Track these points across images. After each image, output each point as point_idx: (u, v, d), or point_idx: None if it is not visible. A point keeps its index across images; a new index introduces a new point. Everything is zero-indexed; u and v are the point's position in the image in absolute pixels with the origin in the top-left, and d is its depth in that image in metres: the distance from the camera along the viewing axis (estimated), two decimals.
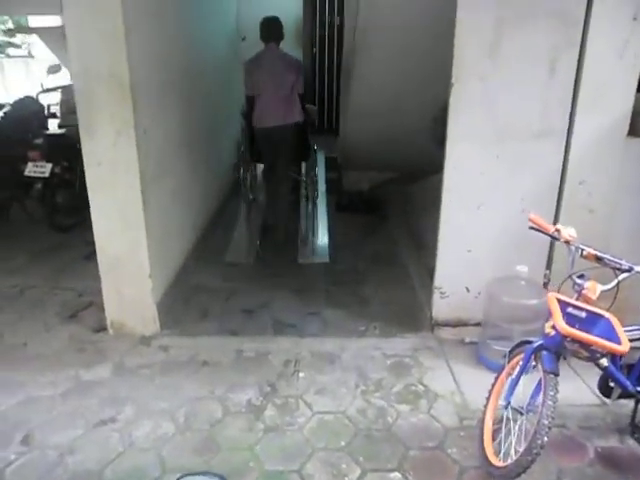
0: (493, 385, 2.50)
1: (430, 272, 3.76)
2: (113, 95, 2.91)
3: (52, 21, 10.51)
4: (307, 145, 5.10)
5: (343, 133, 5.99)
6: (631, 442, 2.48)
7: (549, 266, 3.19)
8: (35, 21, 12.49)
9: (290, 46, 7.56)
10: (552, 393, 2.05)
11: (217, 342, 3.30)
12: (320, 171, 6.22)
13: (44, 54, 13.06)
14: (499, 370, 2.53)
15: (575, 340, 2.01)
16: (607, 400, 2.55)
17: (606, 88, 2.86)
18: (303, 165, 5.53)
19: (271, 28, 4.60)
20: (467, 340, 3.30)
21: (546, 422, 2.00)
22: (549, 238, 2.85)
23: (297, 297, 3.90)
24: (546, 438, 1.99)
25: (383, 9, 3.92)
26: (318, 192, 5.43)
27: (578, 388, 2.83)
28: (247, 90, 4.62)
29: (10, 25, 16.02)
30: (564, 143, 2.97)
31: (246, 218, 5.49)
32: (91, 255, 4.30)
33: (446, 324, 3.34)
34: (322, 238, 4.84)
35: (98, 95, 2.92)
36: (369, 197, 5.94)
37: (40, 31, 6.65)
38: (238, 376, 2.96)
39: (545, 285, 3.19)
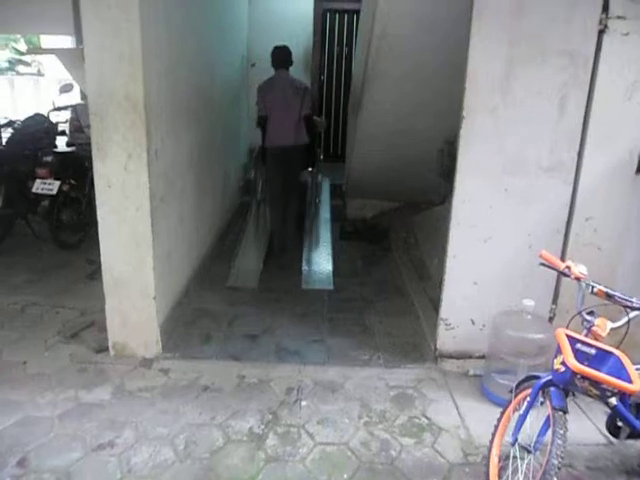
0: (499, 420, 2.46)
1: (434, 303, 3.76)
2: (127, 117, 2.94)
3: (63, 41, 10.70)
4: (312, 158, 5.38)
5: (349, 161, 6.06)
6: None
7: (555, 301, 3.19)
8: (47, 40, 12.72)
9: (299, 74, 7.72)
10: (561, 431, 2.02)
11: (219, 367, 3.26)
12: (325, 198, 6.25)
13: (54, 73, 13.26)
14: (503, 404, 2.50)
15: (585, 377, 1.99)
16: (615, 440, 2.52)
17: (615, 127, 2.90)
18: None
19: (281, 55, 4.92)
20: (471, 372, 3.27)
21: (555, 462, 1.96)
22: (555, 273, 2.86)
23: (300, 324, 3.88)
24: (555, 479, 1.96)
25: (397, 39, 3.99)
26: (319, 216, 5.69)
27: (584, 427, 2.80)
28: (259, 111, 4.89)
29: (22, 43, 16.31)
30: (572, 179, 3.00)
31: (254, 221, 5.61)
32: (94, 274, 4.33)
33: (450, 356, 3.31)
34: (326, 265, 4.83)
35: (112, 116, 2.95)
36: (372, 225, 5.96)
37: (58, 52, 6.78)
38: (239, 403, 2.92)
39: (551, 320, 3.19)
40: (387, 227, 5.89)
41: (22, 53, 16.58)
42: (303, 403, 2.94)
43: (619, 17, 2.74)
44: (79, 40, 7.35)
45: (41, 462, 2.45)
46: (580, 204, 3.02)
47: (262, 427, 2.74)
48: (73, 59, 5.88)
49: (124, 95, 2.91)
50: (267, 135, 4.86)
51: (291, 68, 4.99)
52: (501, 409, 2.49)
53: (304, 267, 4.78)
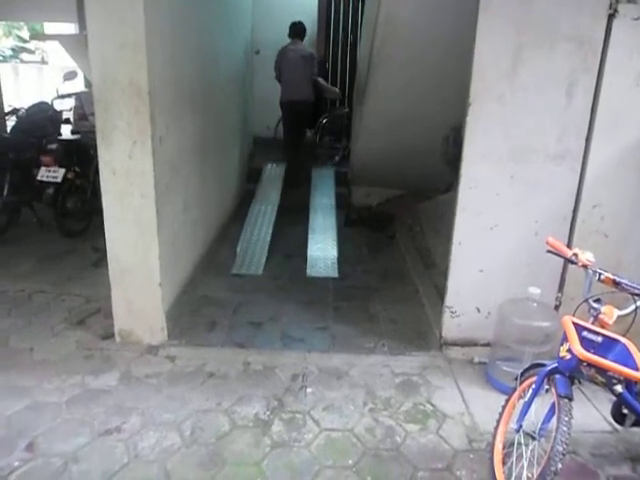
0: (503, 407, 2.47)
1: (439, 291, 3.76)
2: (131, 103, 2.93)
3: (67, 28, 10.67)
4: (315, 117, 7.03)
5: (354, 148, 6.03)
6: None
7: (561, 289, 3.18)
8: (50, 28, 12.68)
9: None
10: (566, 418, 2.02)
11: (224, 354, 3.28)
12: (329, 184, 6.25)
13: (58, 60, 13.23)
14: (508, 392, 2.51)
15: (591, 365, 1.99)
16: (620, 427, 2.52)
17: (623, 113, 2.87)
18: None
19: (296, 28, 6.38)
20: (476, 360, 3.28)
21: (560, 448, 1.96)
22: (562, 261, 2.85)
23: (305, 311, 3.89)
24: (560, 465, 1.96)
25: (402, 25, 3.95)
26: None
27: (589, 414, 2.81)
28: (275, 71, 6.44)
29: (25, 31, 16.27)
30: (579, 166, 2.98)
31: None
32: (99, 262, 4.34)
33: (455, 343, 3.31)
34: (331, 252, 4.82)
35: (116, 103, 2.94)
36: (377, 212, 5.95)
37: (61, 38, 6.75)
38: (245, 389, 2.94)
39: (556, 308, 3.19)
40: (392, 215, 5.87)
41: (26, 41, 16.56)
42: (308, 390, 2.96)
43: (629, 1, 2.70)
44: (82, 27, 7.32)
45: (49, 446, 2.48)
46: (587, 191, 3.00)
47: (268, 413, 2.76)
48: (77, 46, 5.85)
49: (128, 82, 2.90)
50: (281, 91, 6.36)
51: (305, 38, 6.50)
52: (505, 396, 2.50)
53: (309, 254, 4.78)
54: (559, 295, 3.19)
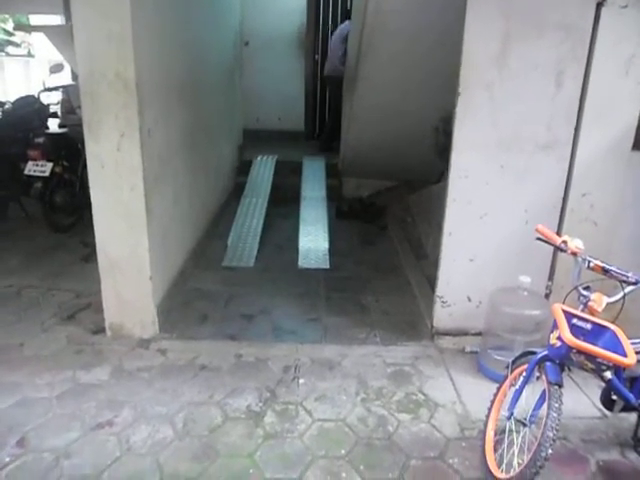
0: (495, 395, 2.49)
1: (430, 281, 3.77)
2: (118, 96, 2.90)
3: (53, 20, 10.52)
4: None
5: (344, 140, 6.02)
6: (633, 456, 2.47)
7: (551, 277, 3.20)
8: (36, 20, 12.50)
9: (292, 53, 7.65)
10: (556, 405, 2.04)
11: (216, 346, 3.27)
12: (320, 176, 6.23)
13: (44, 53, 13.05)
14: (499, 380, 2.53)
15: (581, 352, 2.01)
16: (609, 413, 2.55)
17: (611, 102, 2.88)
18: None
19: (345, 12, 7.13)
20: (467, 349, 3.29)
21: (550, 434, 1.98)
22: (552, 249, 2.87)
23: (297, 303, 3.88)
24: (550, 450, 1.98)
25: (391, 15, 3.93)
26: None
27: (579, 400, 2.83)
28: None
29: (10, 24, 16.02)
30: (569, 155, 2.98)
31: None
32: (89, 256, 4.32)
33: (447, 333, 3.33)
34: (322, 244, 4.82)
35: (103, 96, 2.90)
36: (368, 204, 5.95)
37: (46, 29, 6.64)
38: (237, 381, 2.94)
39: (547, 296, 3.20)
40: (383, 206, 5.88)
41: (12, 34, 16.31)
42: (300, 381, 2.96)
43: None
44: (68, 18, 7.21)
45: (40, 442, 2.47)
46: (576, 180, 3.01)
47: (260, 405, 2.76)
48: (62, 37, 5.76)
49: (115, 74, 2.86)
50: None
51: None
52: (497, 385, 2.52)
53: (300, 246, 4.77)
54: (549, 283, 3.20)
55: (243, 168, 6.39)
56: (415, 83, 4.45)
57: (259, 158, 6.50)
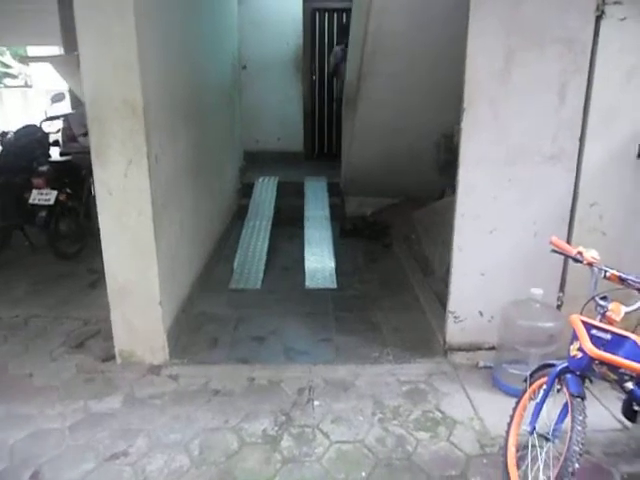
0: (514, 410, 2.45)
1: (439, 297, 3.76)
2: (126, 123, 2.91)
3: (51, 51, 10.65)
4: None
5: (346, 158, 6.04)
6: None
7: (562, 288, 3.19)
8: (34, 51, 12.64)
9: (290, 74, 7.73)
10: (581, 418, 2.01)
11: (228, 370, 3.24)
12: (322, 196, 6.25)
13: (42, 83, 13.19)
14: (515, 394, 2.50)
15: (603, 363, 1.99)
16: (630, 424, 2.51)
17: (615, 111, 2.90)
18: None
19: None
20: (481, 364, 3.26)
21: (577, 448, 1.95)
22: (562, 260, 2.86)
23: (307, 323, 3.86)
24: (577, 465, 1.94)
25: (392, 35, 3.98)
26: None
27: (598, 412, 2.80)
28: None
29: (8, 56, 16.21)
30: (575, 166, 3.00)
31: None
32: (95, 283, 4.30)
33: (460, 348, 3.30)
34: (328, 264, 4.80)
35: (111, 123, 2.92)
36: (372, 222, 5.95)
37: (52, 59, 6.73)
38: (251, 405, 2.90)
39: (559, 307, 3.19)
40: (387, 223, 5.88)
41: (8, 66, 16.49)
42: (315, 403, 2.93)
43: (616, 2, 2.74)
44: (67, 49, 7.30)
45: (55, 474, 2.42)
46: (584, 191, 3.02)
47: (276, 429, 2.72)
48: (69, 66, 5.83)
49: (122, 101, 2.88)
50: None
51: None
52: (513, 399, 2.48)
53: (306, 266, 4.76)
54: (560, 295, 3.19)
55: (245, 190, 6.41)
56: (416, 100, 4.49)
57: (261, 180, 6.53)
